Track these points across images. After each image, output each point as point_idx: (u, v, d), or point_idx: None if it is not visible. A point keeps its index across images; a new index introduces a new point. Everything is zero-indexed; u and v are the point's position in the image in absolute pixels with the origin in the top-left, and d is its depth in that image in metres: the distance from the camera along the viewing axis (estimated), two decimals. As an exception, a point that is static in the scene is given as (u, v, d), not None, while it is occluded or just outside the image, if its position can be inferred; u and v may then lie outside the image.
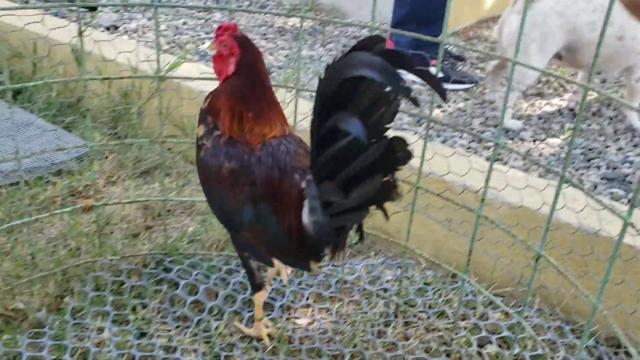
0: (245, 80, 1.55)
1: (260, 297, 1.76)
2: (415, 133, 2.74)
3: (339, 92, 1.29)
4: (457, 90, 3.33)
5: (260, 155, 1.53)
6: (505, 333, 1.88)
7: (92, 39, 2.21)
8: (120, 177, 2.53)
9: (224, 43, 1.55)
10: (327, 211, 1.40)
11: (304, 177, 1.49)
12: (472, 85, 3.39)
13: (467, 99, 3.22)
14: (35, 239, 2.09)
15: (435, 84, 1.27)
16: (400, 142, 1.29)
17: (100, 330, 1.79)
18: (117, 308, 1.88)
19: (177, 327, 1.83)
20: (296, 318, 1.92)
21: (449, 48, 3.74)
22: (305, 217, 1.46)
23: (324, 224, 1.42)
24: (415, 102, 1.22)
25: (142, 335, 1.80)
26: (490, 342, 1.86)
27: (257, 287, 1.74)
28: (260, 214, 1.51)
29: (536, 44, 2.80)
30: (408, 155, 1.30)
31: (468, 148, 2.72)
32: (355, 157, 1.30)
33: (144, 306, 1.90)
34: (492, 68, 3.15)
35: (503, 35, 2.92)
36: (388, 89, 1.27)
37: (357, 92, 1.28)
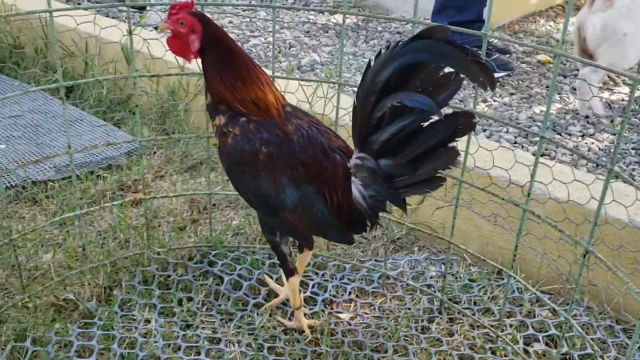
0: (218, 53, 1.56)
1: (295, 282, 1.78)
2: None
3: (398, 75, 1.38)
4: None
5: (297, 138, 1.57)
6: (553, 331, 1.85)
7: (141, 37, 2.26)
8: (168, 171, 2.59)
9: (181, 21, 1.54)
10: (391, 185, 1.50)
11: (345, 157, 1.58)
12: (507, 73, 3.37)
13: (512, 94, 3.17)
14: (86, 231, 2.16)
15: (488, 74, 1.32)
16: (466, 115, 1.40)
17: (147, 321, 1.83)
18: (163, 301, 1.92)
19: (222, 319, 1.86)
20: (339, 312, 1.93)
21: (494, 41, 3.68)
22: (358, 193, 1.55)
23: (385, 197, 1.53)
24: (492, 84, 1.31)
25: (188, 327, 1.83)
26: (537, 340, 1.83)
27: (290, 271, 1.76)
28: (304, 195, 1.55)
29: (628, 37, 2.76)
30: (473, 126, 1.41)
31: (514, 143, 2.67)
32: (421, 132, 1.41)
33: (190, 299, 1.94)
34: (581, 77, 3.04)
35: (588, 36, 2.86)
36: (448, 69, 1.36)
37: (415, 75, 1.38)
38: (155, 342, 1.75)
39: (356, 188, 1.56)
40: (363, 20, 4.18)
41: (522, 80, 3.34)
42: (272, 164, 1.55)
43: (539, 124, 2.84)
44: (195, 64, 2.64)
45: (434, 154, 1.43)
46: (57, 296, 1.88)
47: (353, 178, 1.56)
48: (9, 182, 2.39)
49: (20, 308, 1.82)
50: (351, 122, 1.52)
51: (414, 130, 1.41)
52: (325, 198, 1.56)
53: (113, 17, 3.88)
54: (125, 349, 1.73)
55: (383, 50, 1.39)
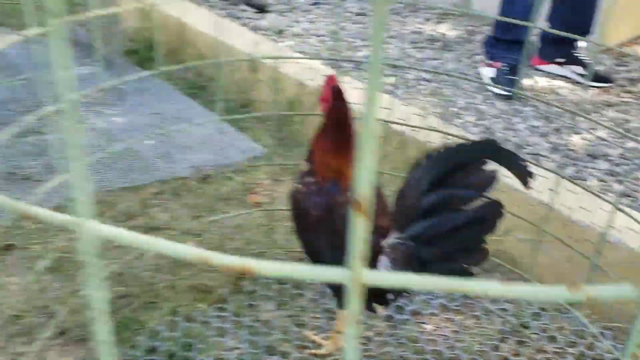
0: (332, 119, 1.71)
1: None
2: (552, 161, 2.89)
3: (454, 169, 1.60)
4: (597, 87, 3.57)
5: (344, 208, 1.67)
6: (609, 365, 2.12)
7: (268, 52, 2.54)
8: (286, 179, 2.97)
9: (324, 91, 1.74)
10: (424, 271, 1.64)
11: (379, 236, 1.69)
12: (609, 85, 3.56)
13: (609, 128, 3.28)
14: (220, 226, 2.58)
15: (523, 173, 1.55)
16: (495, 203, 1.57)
17: (268, 311, 2.25)
18: (280, 294, 2.33)
19: (328, 317, 2.25)
20: (423, 323, 2.27)
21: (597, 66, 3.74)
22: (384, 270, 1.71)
23: None
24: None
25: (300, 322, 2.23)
26: (594, 370, 2.11)
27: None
28: (335, 260, 1.67)
29: None
30: (501, 216, 1.59)
31: (601, 180, 2.83)
32: (461, 226, 1.58)
33: (301, 295, 2.33)
34: None
35: None
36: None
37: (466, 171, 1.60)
38: (272, 332, 2.15)
39: (383, 266, 1.66)
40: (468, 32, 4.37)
41: (613, 87, 3.46)
42: (317, 225, 1.72)
43: (630, 162, 2.96)
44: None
45: (470, 250, 1.59)
46: (198, 281, 2.32)
47: (382, 257, 1.68)
48: (154, 178, 2.87)
49: (170, 288, 2.28)
50: (395, 204, 1.68)
51: (455, 223, 1.57)
52: None
53: (236, 18, 4.25)
54: (251, 335, 2.15)
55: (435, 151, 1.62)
